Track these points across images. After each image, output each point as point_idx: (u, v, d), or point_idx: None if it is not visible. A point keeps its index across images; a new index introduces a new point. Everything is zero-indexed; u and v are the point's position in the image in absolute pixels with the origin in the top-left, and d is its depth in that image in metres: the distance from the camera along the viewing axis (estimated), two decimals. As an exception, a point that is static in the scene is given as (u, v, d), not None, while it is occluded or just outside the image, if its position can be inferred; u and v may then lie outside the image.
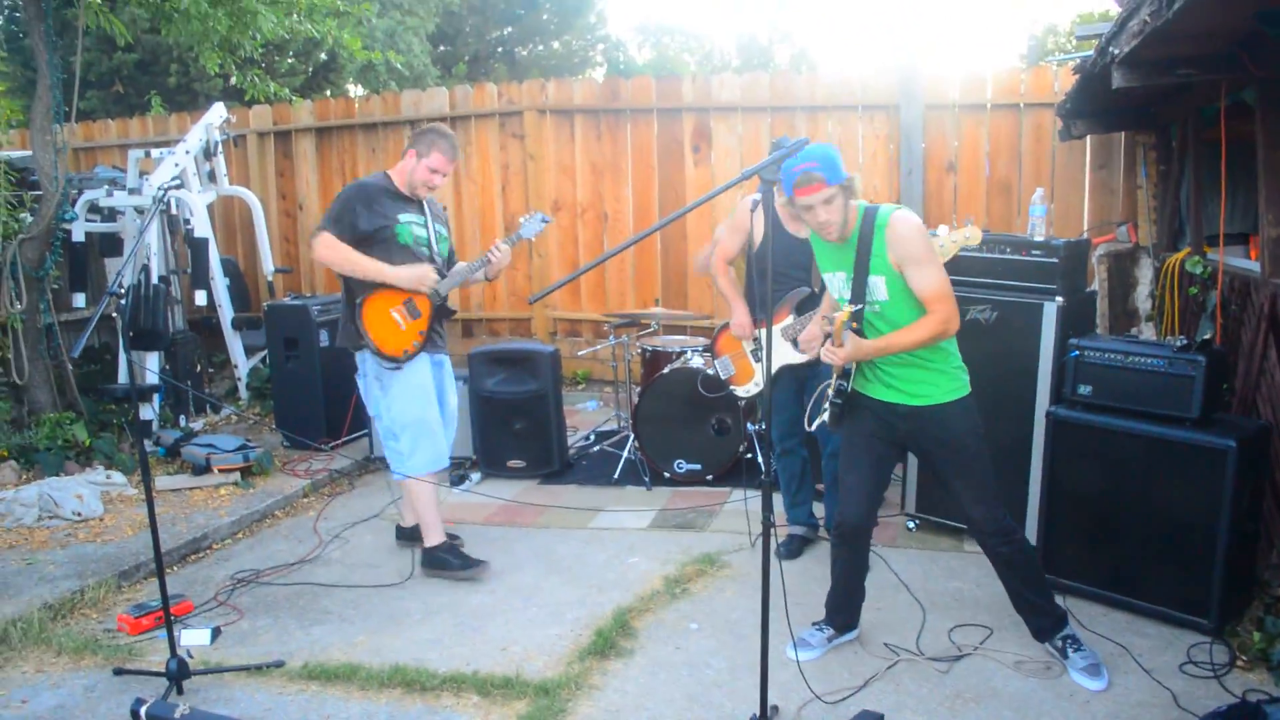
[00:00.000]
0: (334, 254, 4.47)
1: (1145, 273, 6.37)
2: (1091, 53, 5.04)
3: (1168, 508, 3.85)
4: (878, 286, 3.48)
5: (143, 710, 1.60)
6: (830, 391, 3.70)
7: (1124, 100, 5.38)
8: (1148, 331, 6.12)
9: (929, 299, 3.40)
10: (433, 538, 4.75)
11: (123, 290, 3.68)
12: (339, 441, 6.71)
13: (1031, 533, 4.53)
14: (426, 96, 8.75)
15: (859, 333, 3.53)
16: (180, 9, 6.57)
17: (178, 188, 6.98)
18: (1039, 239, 4.72)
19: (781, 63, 25.05)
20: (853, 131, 7.63)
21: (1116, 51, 4.21)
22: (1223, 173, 4.54)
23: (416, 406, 4.62)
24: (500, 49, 22.13)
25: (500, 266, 4.71)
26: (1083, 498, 4.14)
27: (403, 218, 4.57)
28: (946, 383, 3.55)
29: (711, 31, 33.16)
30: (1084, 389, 4.19)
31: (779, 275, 4.72)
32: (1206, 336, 4.74)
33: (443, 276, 4.65)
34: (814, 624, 3.99)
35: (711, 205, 7.87)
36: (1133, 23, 3.80)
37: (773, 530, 4.68)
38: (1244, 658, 3.63)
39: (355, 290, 4.57)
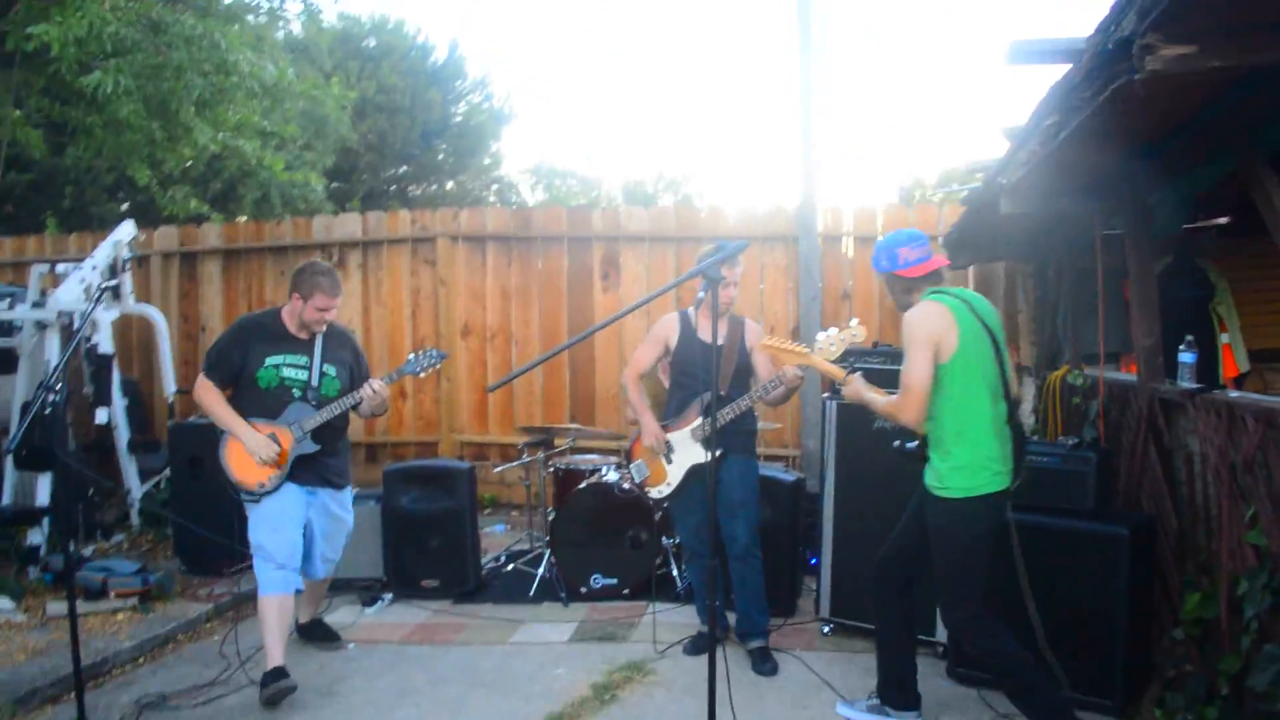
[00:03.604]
0: (203, 399, 4.75)
1: (1028, 390, 6.80)
2: (979, 185, 5.52)
3: (1070, 596, 4.07)
4: None
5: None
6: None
7: (1006, 229, 5.85)
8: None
9: (901, 382, 3.71)
10: (269, 660, 4.61)
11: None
12: (244, 564, 6.48)
13: (942, 628, 4.71)
14: (339, 221, 8.88)
15: None
16: (119, 117, 6.62)
17: (115, 290, 6.94)
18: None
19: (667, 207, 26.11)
20: (755, 262, 8.02)
21: (1005, 181, 4.64)
22: (1100, 291, 4.96)
23: (260, 532, 4.68)
24: (394, 187, 22.41)
25: (374, 404, 4.80)
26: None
27: (270, 360, 4.73)
28: (939, 476, 3.73)
29: (601, 177, 34.15)
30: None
31: (690, 379, 4.93)
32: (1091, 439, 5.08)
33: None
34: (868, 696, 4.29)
35: (619, 328, 8.13)
36: (1021, 153, 4.22)
37: (697, 632, 4.80)
38: (1149, 735, 3.84)
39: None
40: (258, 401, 4.72)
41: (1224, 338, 5.80)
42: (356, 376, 4.97)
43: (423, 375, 5.01)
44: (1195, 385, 4.05)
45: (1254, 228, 6.05)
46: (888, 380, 4.83)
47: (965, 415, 3.66)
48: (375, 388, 4.73)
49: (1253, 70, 2.95)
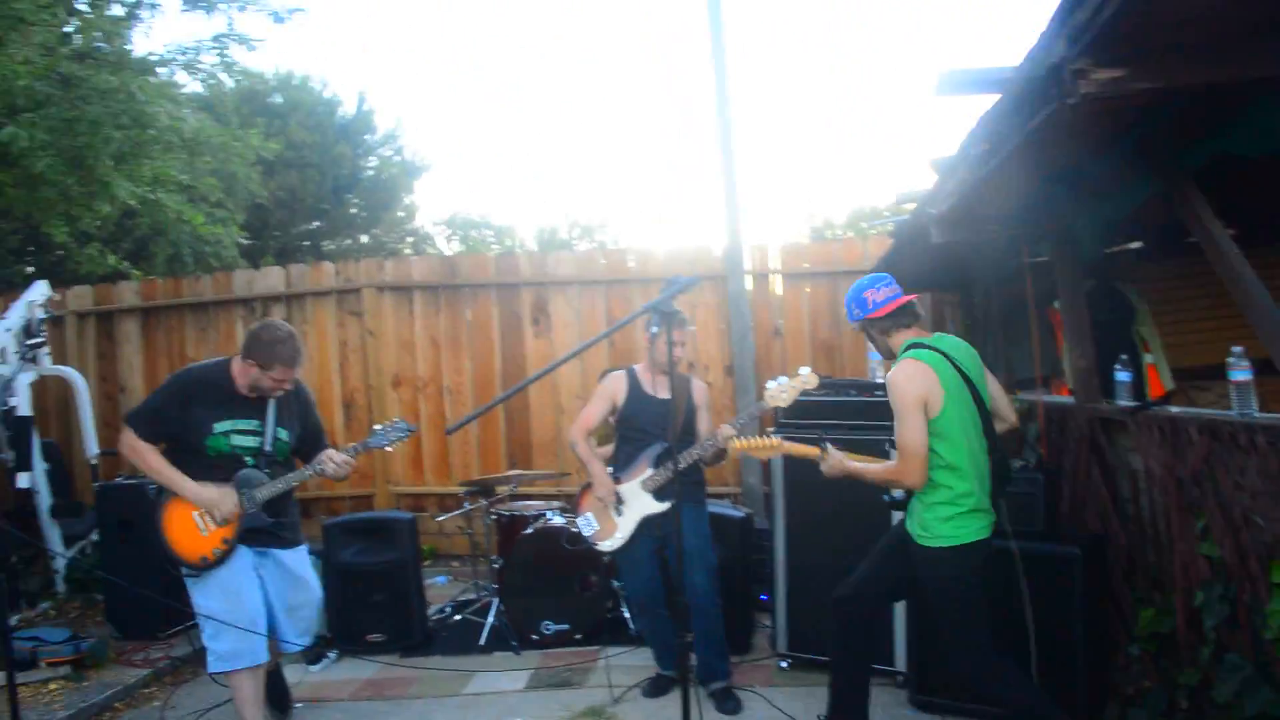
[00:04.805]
0: (135, 457, 4.31)
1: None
2: (907, 217, 5.67)
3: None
4: None
5: None
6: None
7: (933, 260, 6.00)
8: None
9: (898, 447, 3.65)
10: None
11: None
12: (180, 627, 6.26)
13: (902, 657, 4.75)
14: (260, 275, 8.71)
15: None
16: (35, 172, 6.43)
17: (40, 345, 6.70)
18: (880, 380, 5.16)
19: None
20: (686, 303, 8.05)
21: (935, 210, 4.77)
22: (1032, 316, 5.12)
23: (215, 600, 4.26)
24: (307, 242, 22.10)
25: (337, 476, 4.43)
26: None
27: (219, 426, 4.29)
28: (923, 524, 3.71)
29: (514, 225, 34.24)
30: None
31: (638, 434, 4.96)
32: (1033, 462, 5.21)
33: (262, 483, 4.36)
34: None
35: (553, 376, 8.10)
36: (950, 183, 4.35)
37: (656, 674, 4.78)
38: (1114, 750, 3.91)
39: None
40: (204, 470, 4.28)
41: (1148, 358, 6.02)
42: (307, 427, 4.63)
43: (390, 449, 4.62)
44: (1134, 403, 4.18)
45: (1169, 250, 6.36)
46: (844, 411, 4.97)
47: (950, 462, 3.65)
48: (338, 460, 4.38)
49: (1175, 93, 3.11)
